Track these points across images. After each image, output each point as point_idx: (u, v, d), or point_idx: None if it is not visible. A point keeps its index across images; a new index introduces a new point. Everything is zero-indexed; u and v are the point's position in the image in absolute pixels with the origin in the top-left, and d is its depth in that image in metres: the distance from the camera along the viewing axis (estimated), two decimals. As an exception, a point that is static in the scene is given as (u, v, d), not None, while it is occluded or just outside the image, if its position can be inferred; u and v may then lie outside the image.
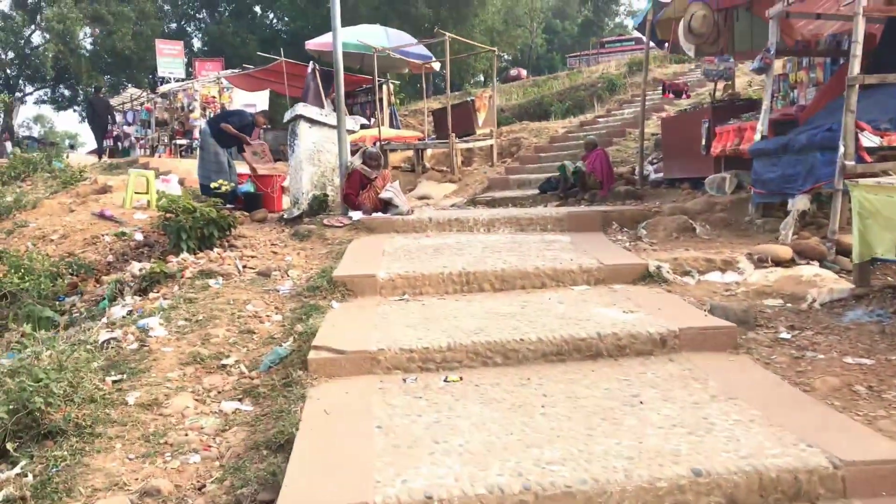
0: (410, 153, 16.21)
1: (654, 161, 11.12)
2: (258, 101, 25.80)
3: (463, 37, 24.91)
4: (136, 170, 12.03)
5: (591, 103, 22.41)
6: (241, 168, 11.06)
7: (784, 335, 4.59)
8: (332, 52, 8.40)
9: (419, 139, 16.00)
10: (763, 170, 7.07)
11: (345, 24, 21.34)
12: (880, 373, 3.83)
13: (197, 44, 49.37)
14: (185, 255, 7.13)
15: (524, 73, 41.72)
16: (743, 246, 6.57)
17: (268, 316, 5.28)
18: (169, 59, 32.75)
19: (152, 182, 10.67)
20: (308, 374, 4.09)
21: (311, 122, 8.76)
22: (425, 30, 30.25)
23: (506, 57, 50.93)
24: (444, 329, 4.48)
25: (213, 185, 9.86)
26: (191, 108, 27.34)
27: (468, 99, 19.57)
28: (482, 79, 50.40)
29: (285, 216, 8.84)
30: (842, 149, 5.73)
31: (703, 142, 9.14)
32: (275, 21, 47.83)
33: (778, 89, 8.95)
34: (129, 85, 40.21)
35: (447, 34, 13.68)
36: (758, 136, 7.38)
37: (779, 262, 5.80)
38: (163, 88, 30.38)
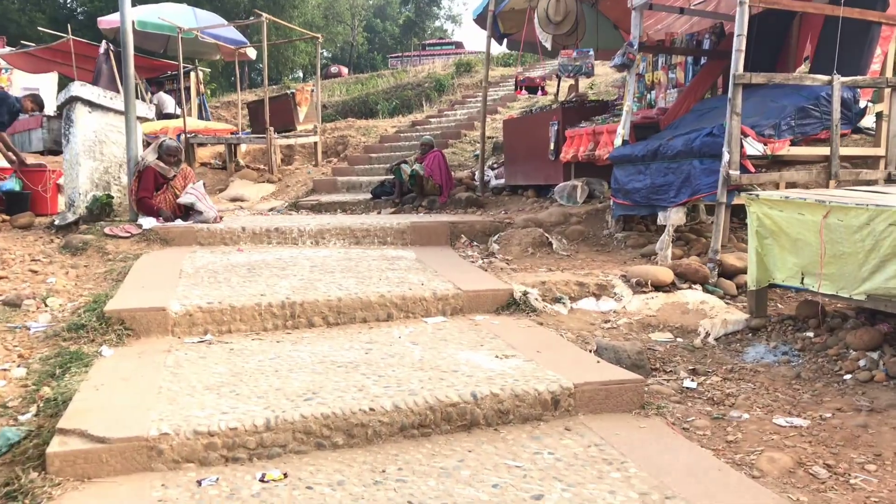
0: (222, 148, 14.48)
1: (495, 166, 10.35)
2: (43, 84, 22.64)
3: (278, 30, 23.26)
4: None
5: (419, 103, 21.63)
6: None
7: (688, 383, 3.77)
8: (120, 17, 6.76)
9: (232, 132, 14.32)
10: (626, 178, 6.37)
11: (147, 2, 19.04)
12: (826, 441, 3.05)
13: (-26, 19, 43.67)
14: None
15: (345, 70, 40.53)
16: (610, 264, 5.80)
17: (5, 370, 3.72)
18: (-68, 31, 28.34)
19: None
20: (47, 477, 2.68)
21: (92, 105, 7.05)
22: (239, 18, 28.14)
23: (325, 54, 49.39)
24: (261, 393, 3.21)
25: (-40, 181, 7.82)
26: (-42, 88, 23.60)
27: (288, 91, 18.07)
28: (301, 74, 48.53)
29: (56, 222, 7.06)
30: (726, 156, 5.08)
31: (552, 146, 8.44)
32: (69, 0, 43.27)
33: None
34: None
35: (265, 15, 12.19)
36: (618, 141, 6.70)
37: (658, 286, 5.05)
38: (-76, 64, 26.14)
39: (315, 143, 12.95)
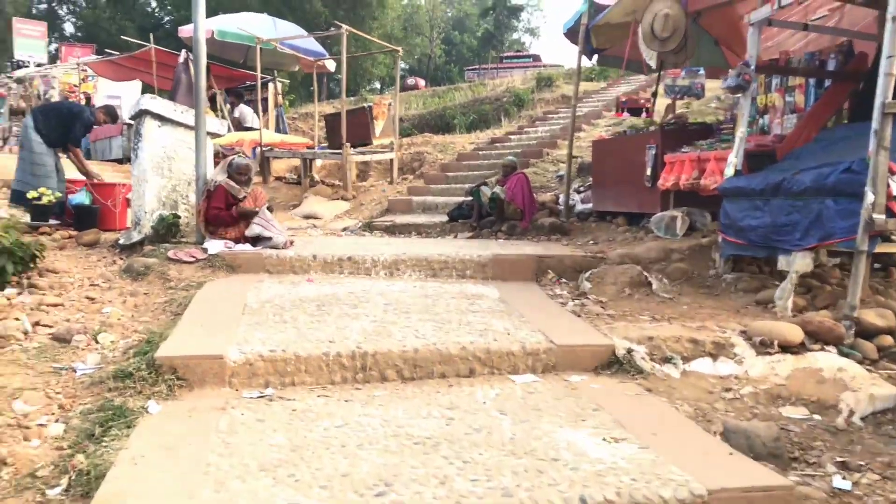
0: (297, 162, 14.26)
1: (581, 189, 9.70)
2: (126, 92, 23.07)
3: (358, 42, 23.16)
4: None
5: (497, 118, 21.11)
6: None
7: (840, 482, 3.07)
8: (193, 27, 6.43)
9: (308, 147, 14.06)
10: (740, 214, 5.66)
11: (229, 12, 19.09)
12: None
13: (69, 28, 45.48)
14: (-44, 298, 4.99)
15: (422, 82, 40.41)
16: (724, 314, 5.10)
17: (41, 426, 3.30)
18: (28, 40, 29.41)
19: (-48, 185, 8.28)
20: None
21: (162, 119, 6.75)
22: (319, 29, 28.22)
23: (402, 65, 49.59)
24: (325, 480, 2.68)
25: (31, 194, 7.64)
26: (47, 95, 24.33)
27: (365, 105, 17.80)
28: (378, 86, 48.72)
29: (121, 241, 6.77)
30: (870, 197, 4.34)
31: (649, 172, 7.75)
32: (157, 9, 44.61)
33: (735, 115, 7.66)
34: (-16, 67, 36.19)
35: (345, 27, 11.87)
36: (730, 171, 5.98)
37: (785, 346, 4.34)
38: (19, 73, 27.08)
39: (391, 161, 12.55)
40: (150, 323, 4.74)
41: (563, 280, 6.08)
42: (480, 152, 12.87)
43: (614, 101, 17.32)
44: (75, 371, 3.91)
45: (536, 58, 42.91)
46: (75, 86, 22.40)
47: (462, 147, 14.19)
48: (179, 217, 6.75)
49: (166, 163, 6.78)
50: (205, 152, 6.47)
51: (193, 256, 5.95)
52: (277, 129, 17.61)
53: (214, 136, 7.20)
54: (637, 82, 20.72)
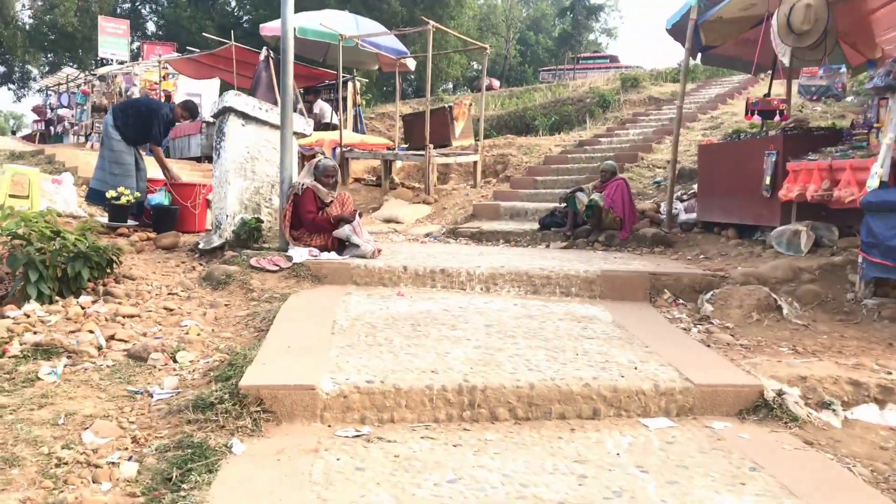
0: (376, 163, 13.93)
1: (685, 197, 9.01)
2: (206, 90, 23.28)
3: (436, 41, 22.81)
4: (15, 165, 9.47)
5: (580, 119, 20.42)
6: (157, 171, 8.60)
7: None
8: (281, 22, 6.07)
9: (388, 148, 13.72)
10: (889, 232, 4.96)
11: (309, 10, 18.96)
12: None
13: (151, 27, 46.71)
14: (31, 304, 4.73)
15: (496, 83, 39.88)
16: (876, 348, 4.44)
17: (113, 464, 2.93)
18: (112, 38, 30.13)
19: (35, 183, 8.17)
20: None
21: (246, 117, 6.42)
22: (397, 27, 28.01)
23: (476, 66, 49.26)
24: (445, 561, 2.20)
25: (110, 193, 7.45)
26: (129, 92, 24.79)
27: (446, 105, 17.38)
28: (451, 86, 48.43)
29: (201, 245, 6.47)
30: None
31: (768, 180, 7.04)
32: (236, 8, 45.33)
33: (868, 119, 6.89)
34: (72, 65, 37.36)
35: (432, 23, 11.46)
36: (873, 182, 5.27)
37: (967, 394, 3.66)
38: (101, 70, 27.75)
39: (475, 163, 12.07)
40: (232, 340, 4.37)
41: (681, 301, 5.47)
42: (569, 156, 12.27)
43: (709, 102, 16.46)
44: (151, 396, 3.55)
45: (614, 59, 41.84)
46: (156, 83, 22.71)
47: (548, 150, 13.60)
48: (262, 221, 6.41)
49: (249, 164, 6.46)
50: (291, 153, 6.11)
51: (277, 265, 5.58)
52: (355, 129, 17.37)
53: (300, 136, 6.85)
54: (730, 84, 19.74)
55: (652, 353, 4.07)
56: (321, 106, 16.92)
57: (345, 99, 17.40)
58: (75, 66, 36.47)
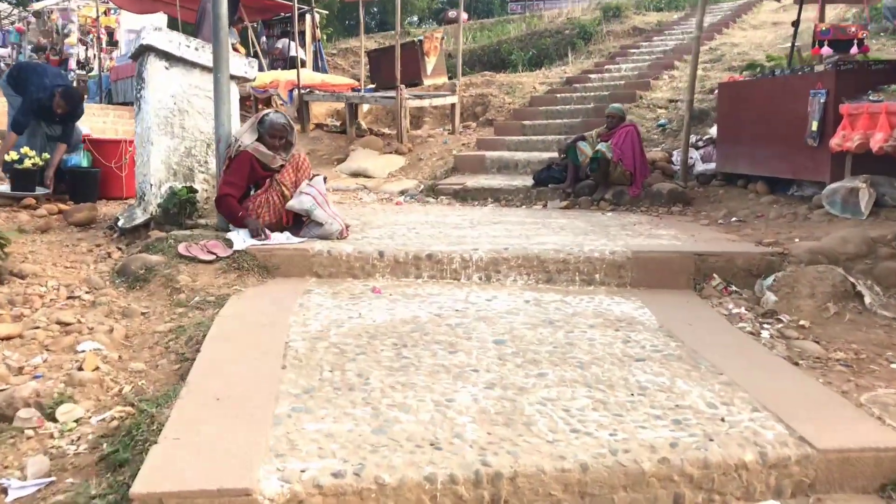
0: (340, 106, 12.50)
1: (700, 144, 7.84)
2: (150, 25, 21.40)
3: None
4: None
5: (560, 53, 19.07)
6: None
7: None
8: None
9: (353, 88, 12.30)
10: None
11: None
12: None
13: (92, -43, 43.78)
14: None
15: (465, 15, 37.97)
16: None
17: None
18: (44, -32, 27.81)
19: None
20: None
21: (170, 58, 5.08)
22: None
23: (440, -3, 47.25)
24: None
25: (10, 156, 6.09)
26: (66, 30, 22.84)
27: (415, 39, 15.90)
28: (417, 20, 46.28)
29: (121, 223, 5.20)
30: None
31: (815, 126, 5.89)
32: (183, -64, 42.48)
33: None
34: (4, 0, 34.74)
35: (398, -58, 9.98)
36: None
37: None
38: (37, 5, 25.59)
39: (452, 106, 10.73)
40: (145, 375, 3.16)
41: (734, 288, 4.34)
42: (558, 95, 10.97)
43: (703, 32, 15.14)
44: (5, 495, 2.34)
45: (590, -13, 40.00)
46: (94, 19, 20.81)
47: (532, 88, 12.28)
48: (196, 191, 5.14)
49: (177, 117, 5.13)
50: (228, 104, 4.79)
51: (213, 253, 4.33)
52: (315, 68, 15.87)
53: (242, 80, 5.50)
54: (721, 11, 18.41)
55: (732, 385, 2.93)
56: (284, 42, 15.36)
57: (302, 34, 15.83)
58: (6, 1, 33.89)
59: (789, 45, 13.42)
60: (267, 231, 4.53)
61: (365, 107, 12.20)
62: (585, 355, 3.22)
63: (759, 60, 9.71)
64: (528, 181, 7.72)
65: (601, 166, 7.00)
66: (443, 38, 16.18)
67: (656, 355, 3.26)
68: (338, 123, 12.17)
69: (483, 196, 7.67)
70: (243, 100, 12.53)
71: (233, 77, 5.17)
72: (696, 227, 5.73)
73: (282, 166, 4.79)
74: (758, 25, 16.39)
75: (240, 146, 4.68)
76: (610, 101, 10.34)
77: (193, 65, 5.13)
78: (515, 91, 12.23)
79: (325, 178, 4.80)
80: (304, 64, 14.89)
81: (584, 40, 19.12)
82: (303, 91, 11.25)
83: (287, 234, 4.58)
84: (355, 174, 9.46)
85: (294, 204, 4.61)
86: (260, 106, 12.69)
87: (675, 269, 4.35)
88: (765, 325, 3.86)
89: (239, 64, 5.23)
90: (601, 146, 6.96)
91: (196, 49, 5.10)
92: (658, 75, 11.37)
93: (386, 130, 11.60)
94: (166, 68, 5.06)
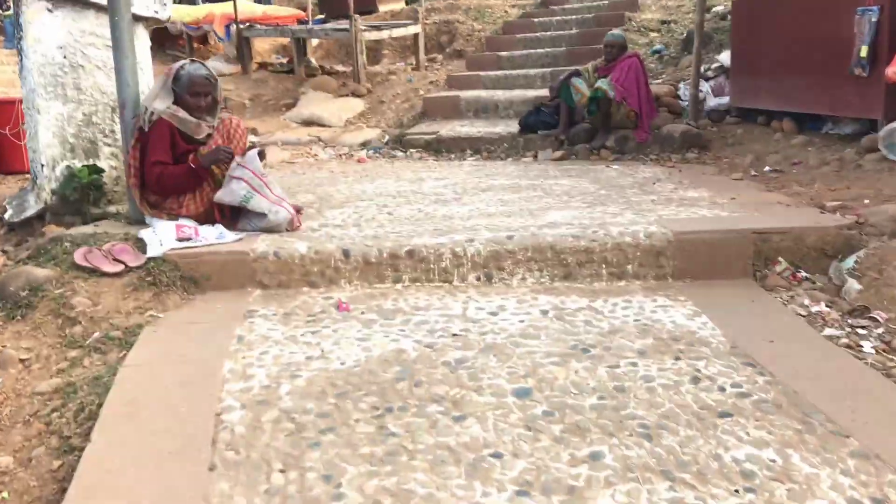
0: (286, 41, 11.20)
1: (709, 74, 6.84)
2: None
3: None
4: None
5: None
6: None
7: None
8: None
9: (300, 21, 10.99)
10: None
11: None
12: None
13: None
14: None
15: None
16: None
17: None
18: None
19: None
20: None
21: (53, -2, 3.91)
22: None
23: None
24: None
25: None
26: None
27: (368, -40, 14.47)
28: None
29: (7, 215, 4.12)
30: None
31: (864, 51, 4.94)
32: None
33: None
34: None
35: None
36: None
37: None
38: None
39: (415, 36, 9.51)
40: (10, 482, 2.18)
41: (804, 274, 3.43)
42: (535, 20, 9.79)
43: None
44: None
45: None
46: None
47: (503, 12, 11.07)
48: (102, 171, 4.05)
49: (69, 75, 4.00)
50: (133, 56, 3.67)
51: (120, 261, 3.29)
52: None
53: (151, 22, 4.34)
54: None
55: (871, 459, 2.04)
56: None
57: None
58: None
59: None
60: (196, 230, 3.49)
61: (315, 41, 10.92)
62: (647, 411, 2.30)
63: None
64: (513, 127, 6.69)
65: (601, 107, 6.00)
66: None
67: (745, 403, 2.35)
68: (284, 60, 10.90)
69: (461, 147, 6.63)
70: (175, 38, 11.19)
71: (139, 18, 4.05)
72: (728, 184, 4.79)
73: (209, 136, 3.71)
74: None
75: (152, 114, 3.58)
76: (595, 25, 9.26)
77: (86, 4, 3.97)
78: (485, 15, 11.02)
79: (261, 152, 3.70)
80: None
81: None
82: (241, 26, 9.95)
83: (220, 228, 3.54)
84: (307, 122, 8.33)
85: (223, 196, 3.54)
86: (196, 45, 11.34)
87: (729, 253, 3.42)
88: (859, 331, 2.97)
89: (144, 0, 4.07)
90: (601, 83, 5.93)
91: (88, -17, 3.94)
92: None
93: (340, 68, 10.37)
94: (49, 10, 3.91)
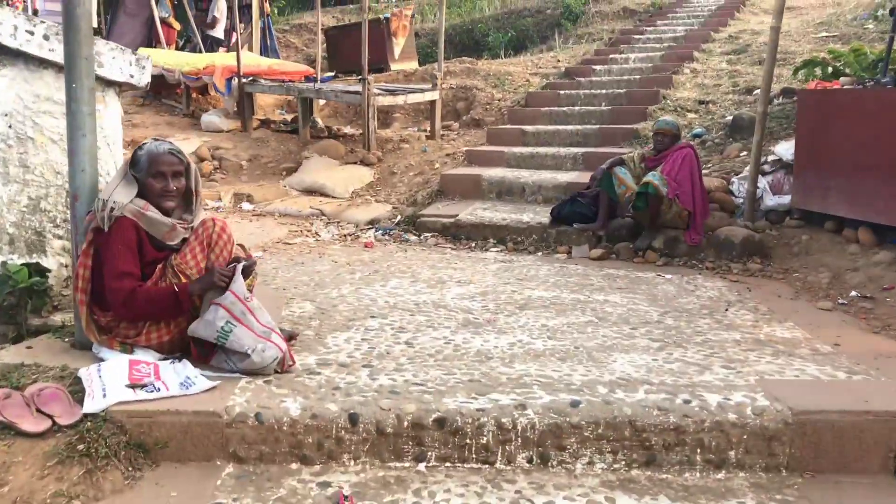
0: (292, 99, 10.49)
1: (766, 168, 6.08)
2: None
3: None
4: None
5: (542, 36, 17.28)
6: None
7: None
8: None
9: (307, 77, 10.31)
10: None
11: None
12: None
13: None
14: None
15: (431, -11, 35.89)
16: None
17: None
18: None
19: None
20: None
21: (3, 53, 3.12)
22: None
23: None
24: None
25: None
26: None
27: (381, 16, 13.92)
28: (379, -8, 44.06)
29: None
30: None
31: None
32: None
33: None
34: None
35: None
36: None
37: None
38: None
39: (432, 103, 8.80)
40: None
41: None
42: (560, 92, 9.10)
43: (712, 16, 13.48)
44: None
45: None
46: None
47: (525, 81, 10.39)
48: (47, 272, 3.20)
49: (14, 149, 3.19)
50: (93, 133, 2.85)
51: (48, 415, 2.42)
52: (264, 49, 13.78)
53: (126, 88, 3.53)
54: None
55: None
56: (220, 6, 13.14)
57: (248, 6, 13.72)
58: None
59: (823, 34, 11.88)
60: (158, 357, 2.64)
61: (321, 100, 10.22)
62: None
63: (811, 55, 8.02)
64: (542, 215, 5.89)
65: (650, 204, 5.21)
66: (412, 16, 14.25)
67: None
68: (289, 117, 10.16)
69: (483, 235, 5.82)
70: (172, 87, 10.46)
71: (110, 83, 3.25)
72: (818, 317, 3.96)
73: (184, 241, 2.87)
74: (769, 10, 14.74)
75: (112, 210, 2.74)
76: (627, 102, 8.56)
77: (42, 62, 3.17)
78: (504, 83, 10.33)
79: (248, 267, 2.85)
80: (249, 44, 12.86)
81: (571, 21, 17.29)
82: (244, 80, 9.23)
83: (188, 368, 2.67)
84: (309, 191, 7.55)
85: (198, 328, 2.69)
86: (194, 95, 10.61)
87: (864, 441, 2.57)
88: None
89: (117, 62, 3.27)
90: (651, 176, 5.14)
91: (45, 37, 3.14)
92: (677, 69, 9.60)
93: (348, 130, 9.64)
94: (-3, 67, 3.11)
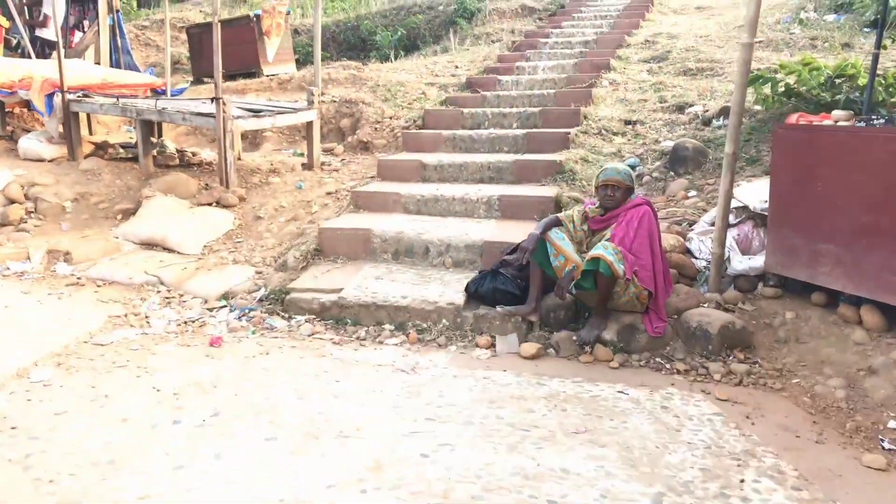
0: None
1: (733, 220, 4.92)
2: None
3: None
4: None
5: (434, 35, 16.00)
6: None
7: None
8: None
9: (153, 89, 8.55)
10: None
11: None
12: None
13: None
14: None
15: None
16: None
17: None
18: None
19: None
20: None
21: None
22: None
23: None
24: None
25: None
26: None
27: (251, 14, 12.23)
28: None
29: None
30: None
31: None
32: None
33: None
34: None
35: None
36: None
37: None
38: None
39: (309, 125, 7.22)
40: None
41: None
42: (464, 111, 7.69)
43: (621, 17, 12.48)
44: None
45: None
46: None
47: (421, 93, 8.98)
48: None
49: None
50: None
51: None
52: (114, 50, 11.80)
53: None
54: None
55: None
56: (54, 2, 11.09)
57: (94, 0, 11.73)
58: None
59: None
60: None
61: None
62: None
63: (763, 72, 6.97)
64: (453, 287, 4.51)
65: (600, 284, 3.92)
66: (288, 13, 12.64)
67: None
68: (133, 141, 8.40)
69: (376, 319, 4.40)
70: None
71: None
72: (866, 480, 2.75)
73: None
74: (679, 10, 13.95)
75: None
76: (543, 124, 7.30)
77: None
78: (397, 96, 8.91)
79: None
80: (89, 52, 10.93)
81: (466, 19, 16.03)
82: (71, 95, 7.44)
83: None
84: (148, 244, 5.92)
85: None
86: (14, 109, 8.68)
87: None
88: None
89: None
90: (603, 250, 3.85)
91: None
92: (595, 80, 8.42)
93: (206, 155, 7.96)
94: None
